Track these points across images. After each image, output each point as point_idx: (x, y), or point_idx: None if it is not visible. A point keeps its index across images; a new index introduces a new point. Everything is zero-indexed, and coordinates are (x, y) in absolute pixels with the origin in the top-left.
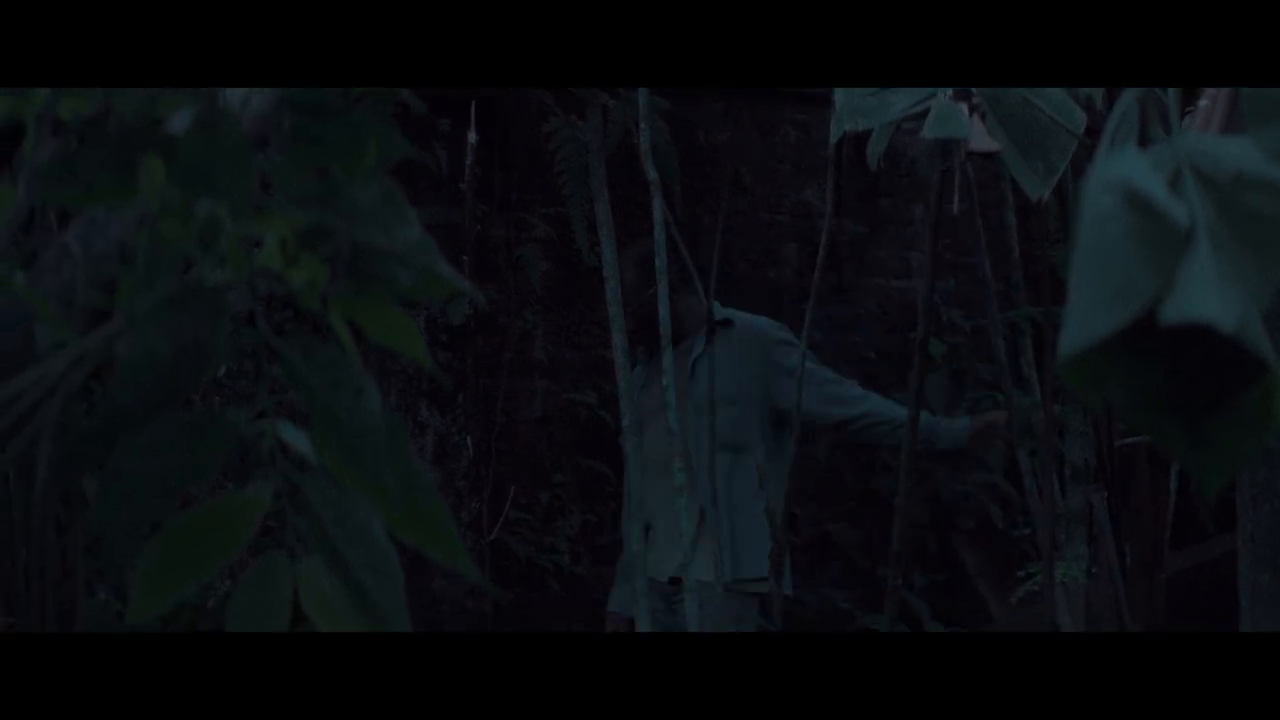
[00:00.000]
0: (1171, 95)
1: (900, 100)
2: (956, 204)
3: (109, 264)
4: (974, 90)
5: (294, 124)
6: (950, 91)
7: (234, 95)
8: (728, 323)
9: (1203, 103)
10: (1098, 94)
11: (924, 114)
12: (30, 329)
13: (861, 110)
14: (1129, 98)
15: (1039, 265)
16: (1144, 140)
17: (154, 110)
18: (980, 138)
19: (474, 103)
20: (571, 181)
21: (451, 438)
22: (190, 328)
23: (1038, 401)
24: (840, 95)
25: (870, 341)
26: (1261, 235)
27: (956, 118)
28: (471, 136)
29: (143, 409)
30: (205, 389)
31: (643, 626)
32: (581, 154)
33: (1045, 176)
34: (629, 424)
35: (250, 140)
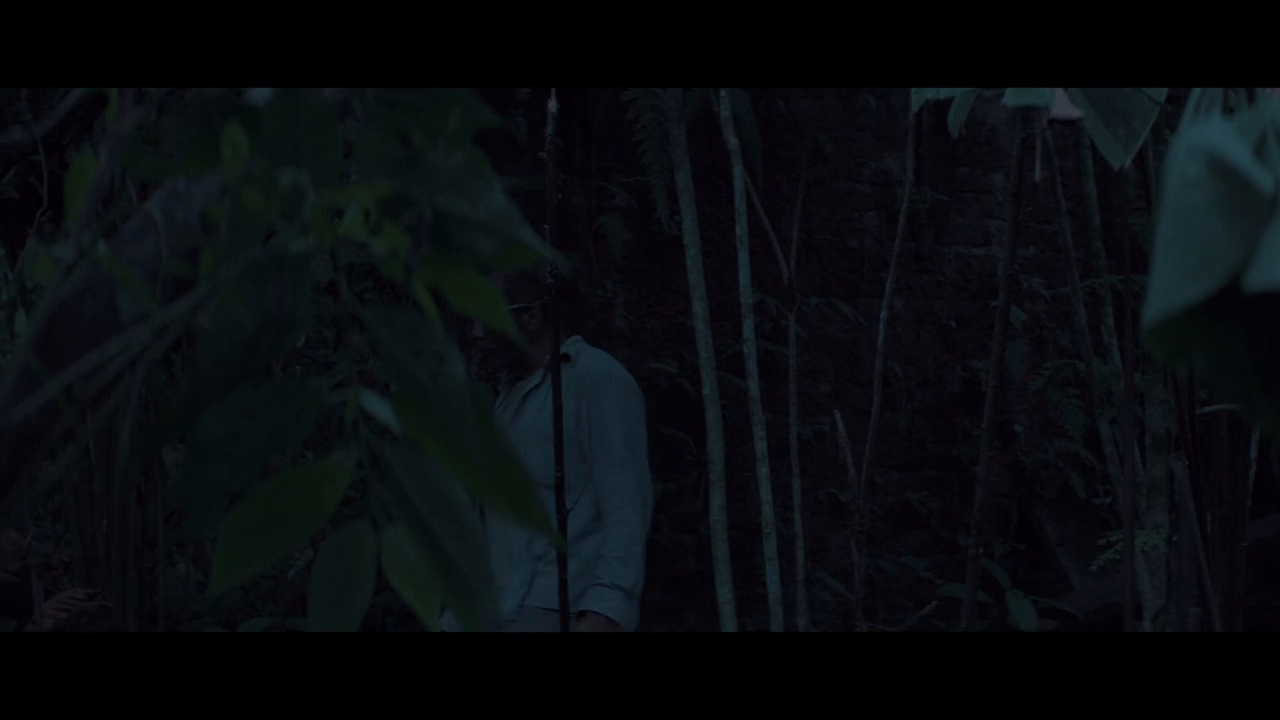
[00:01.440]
0: None
1: None
2: (1038, 171)
3: (191, 233)
4: None
5: (377, 92)
6: None
7: None
8: (565, 358)
9: None
10: None
11: None
12: (113, 299)
13: None
14: None
15: (1119, 233)
16: (1227, 108)
17: None
18: (1062, 105)
19: None
20: (652, 150)
21: None
22: (273, 297)
23: (1118, 369)
24: None
25: (950, 309)
26: None
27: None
28: (552, 105)
29: (225, 379)
30: (285, 358)
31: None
32: (662, 123)
33: (1127, 144)
34: (709, 392)
35: (333, 108)
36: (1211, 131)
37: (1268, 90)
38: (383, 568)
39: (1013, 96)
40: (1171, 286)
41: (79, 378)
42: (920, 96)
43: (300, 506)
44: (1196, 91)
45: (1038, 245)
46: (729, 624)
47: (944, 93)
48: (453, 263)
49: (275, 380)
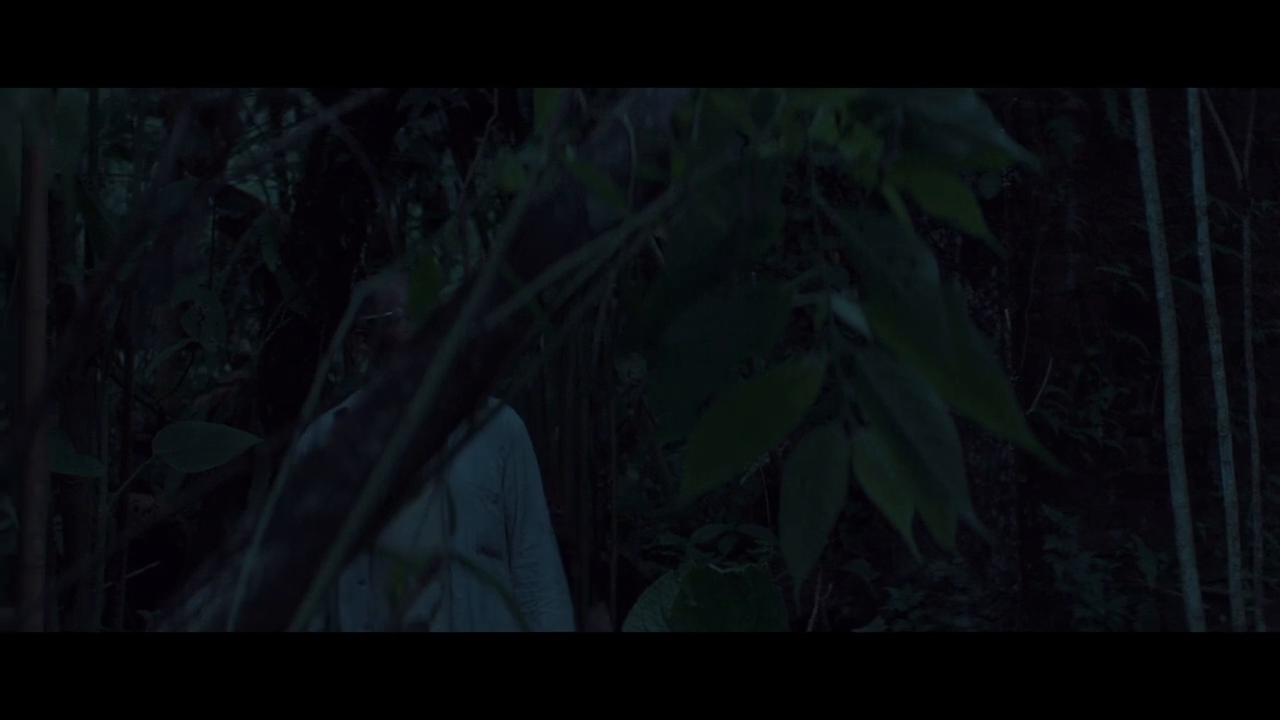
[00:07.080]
0: None
1: None
2: None
3: (661, 138)
4: None
5: None
6: None
7: None
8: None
9: None
10: None
11: None
12: (583, 205)
13: None
14: None
15: None
16: None
17: None
18: None
19: None
20: None
21: (985, 311)
22: (746, 200)
23: None
24: None
25: None
26: None
27: None
28: None
29: (695, 283)
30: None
31: None
32: None
33: None
34: (1163, 296)
35: None
36: None
37: None
38: (854, 471)
39: None
40: None
41: (550, 284)
42: None
43: (771, 410)
44: None
45: None
46: (1184, 528)
47: None
48: (925, 165)
49: (745, 284)
